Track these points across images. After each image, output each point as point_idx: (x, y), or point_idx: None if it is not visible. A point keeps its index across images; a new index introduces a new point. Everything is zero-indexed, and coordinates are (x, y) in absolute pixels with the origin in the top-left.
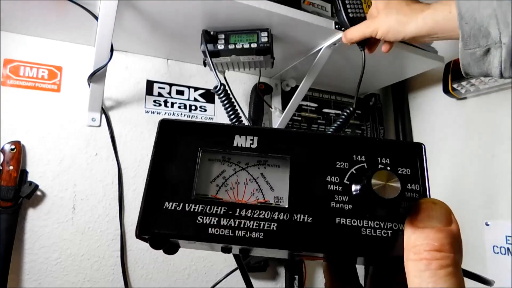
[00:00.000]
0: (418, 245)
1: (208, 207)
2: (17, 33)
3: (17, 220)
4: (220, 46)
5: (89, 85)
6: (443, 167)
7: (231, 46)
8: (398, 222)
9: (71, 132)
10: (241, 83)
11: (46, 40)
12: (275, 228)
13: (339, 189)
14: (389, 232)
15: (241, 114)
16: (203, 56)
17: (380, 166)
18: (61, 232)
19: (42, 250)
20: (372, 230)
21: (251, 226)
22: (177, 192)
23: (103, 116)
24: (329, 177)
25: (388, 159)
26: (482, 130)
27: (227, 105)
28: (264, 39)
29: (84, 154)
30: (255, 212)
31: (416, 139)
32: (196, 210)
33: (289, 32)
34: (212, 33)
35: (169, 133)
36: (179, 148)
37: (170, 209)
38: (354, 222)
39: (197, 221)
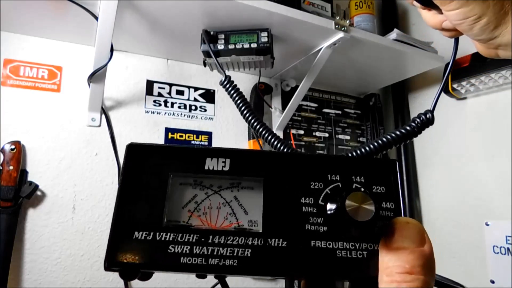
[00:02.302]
0: (390, 267)
1: (180, 235)
2: (17, 33)
3: (17, 220)
4: (220, 46)
5: (89, 85)
6: (443, 167)
7: (231, 46)
8: (373, 242)
9: (71, 132)
10: (241, 83)
11: (46, 40)
12: (249, 255)
13: (314, 211)
14: (364, 253)
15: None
16: (203, 56)
17: (354, 185)
18: (61, 232)
19: (42, 250)
20: (348, 252)
21: (224, 253)
22: (147, 221)
23: (103, 116)
24: (303, 198)
25: (362, 177)
26: (482, 130)
27: (235, 97)
28: (264, 39)
29: (84, 154)
30: (229, 238)
31: (416, 139)
32: (167, 238)
33: (289, 32)
34: (212, 33)
35: (137, 158)
36: (148, 173)
37: (140, 239)
38: (329, 244)
39: (168, 250)
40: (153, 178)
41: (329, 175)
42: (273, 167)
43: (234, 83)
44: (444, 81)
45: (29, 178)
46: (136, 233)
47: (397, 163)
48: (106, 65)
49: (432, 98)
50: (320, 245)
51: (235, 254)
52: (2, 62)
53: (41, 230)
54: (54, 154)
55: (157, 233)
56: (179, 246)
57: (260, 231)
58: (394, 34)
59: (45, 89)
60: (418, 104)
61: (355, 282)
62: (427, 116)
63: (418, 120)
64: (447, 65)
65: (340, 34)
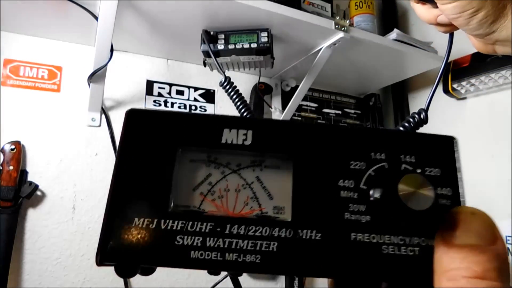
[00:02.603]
0: (453, 270)
1: (190, 223)
2: (17, 33)
3: (17, 220)
4: (220, 46)
5: (89, 85)
6: None
7: (231, 46)
8: (426, 237)
9: (71, 132)
10: (241, 83)
11: (46, 40)
12: (275, 249)
13: (355, 196)
14: (416, 249)
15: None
16: (203, 56)
17: (403, 166)
18: (61, 232)
19: (42, 250)
20: (396, 248)
21: (244, 247)
22: (150, 205)
23: (103, 116)
24: (341, 181)
25: (413, 156)
26: (482, 130)
27: (235, 98)
28: (264, 39)
29: (84, 154)
30: (250, 228)
31: None
32: (174, 227)
33: (289, 32)
34: (212, 33)
35: (139, 128)
36: (151, 146)
37: (141, 227)
38: (373, 238)
39: (176, 242)
40: (157, 153)
41: (372, 153)
42: (305, 142)
43: (234, 84)
44: (439, 78)
45: (29, 178)
46: (136, 220)
47: (455, 140)
48: (106, 65)
49: (432, 98)
50: (361, 239)
51: (257, 248)
52: (2, 62)
53: (41, 230)
54: (54, 154)
55: (162, 221)
56: (189, 237)
57: (289, 220)
58: (394, 34)
59: (45, 89)
60: (418, 104)
61: (403, 284)
62: (421, 115)
63: (411, 119)
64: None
65: (340, 34)
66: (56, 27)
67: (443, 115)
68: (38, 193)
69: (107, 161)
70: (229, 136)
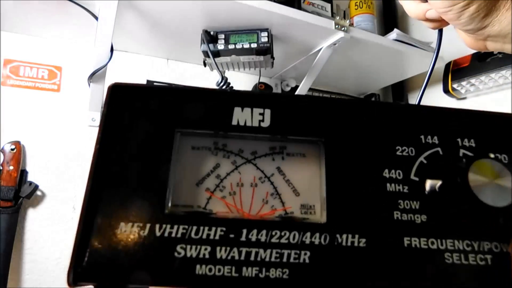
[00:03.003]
0: None
1: (194, 228)
2: (17, 33)
3: (17, 220)
4: (220, 46)
5: (89, 85)
6: None
7: (231, 46)
8: (500, 241)
9: (71, 132)
10: (241, 83)
11: (46, 40)
12: (307, 260)
13: (405, 190)
14: (488, 257)
15: None
16: (203, 56)
17: (462, 151)
18: (61, 232)
19: (42, 250)
20: (461, 256)
21: (267, 259)
22: (140, 205)
23: None
24: (387, 171)
25: (472, 139)
26: None
27: None
28: (264, 39)
29: (84, 154)
30: (273, 233)
31: None
32: (173, 234)
33: (289, 32)
34: (212, 33)
35: (126, 107)
36: (143, 130)
37: (129, 234)
38: (432, 243)
39: (175, 253)
40: (150, 138)
41: (422, 136)
42: (339, 123)
43: (231, 85)
44: (429, 74)
45: (29, 178)
46: (123, 225)
47: None
48: (106, 65)
49: (432, 98)
50: (418, 245)
51: (284, 259)
52: (2, 62)
53: (41, 230)
54: (54, 154)
55: (157, 226)
56: (193, 247)
57: (323, 222)
58: (394, 34)
59: (45, 89)
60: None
61: None
62: None
63: None
64: (447, 65)
65: (340, 34)
66: (56, 27)
67: None
68: (38, 193)
69: None
70: (242, 116)
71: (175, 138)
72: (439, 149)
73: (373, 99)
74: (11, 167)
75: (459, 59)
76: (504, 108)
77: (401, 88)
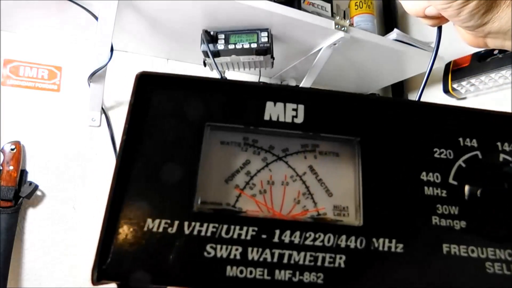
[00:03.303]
0: None
1: (225, 227)
2: (17, 33)
3: (17, 220)
4: (220, 46)
5: (89, 85)
6: None
7: (231, 46)
8: None
9: (71, 132)
10: None
11: (46, 40)
12: (342, 264)
13: (443, 194)
14: None
15: None
16: (203, 56)
17: (502, 156)
18: (61, 232)
19: (42, 250)
20: (504, 266)
21: (301, 262)
22: (168, 201)
23: (103, 116)
24: (424, 173)
25: None
26: None
27: None
28: (264, 39)
29: (84, 154)
30: (307, 235)
31: None
32: (203, 233)
33: (289, 32)
34: (212, 33)
35: (153, 98)
36: (171, 123)
37: (156, 231)
38: (472, 251)
39: (205, 253)
40: (178, 132)
41: (461, 139)
42: (376, 122)
43: None
44: (428, 72)
45: (29, 178)
46: (150, 221)
47: None
48: (106, 65)
49: (432, 98)
50: (457, 252)
51: (318, 263)
52: (2, 62)
53: (41, 230)
54: (54, 154)
55: (186, 223)
56: (224, 247)
57: (359, 224)
58: (394, 34)
59: (45, 89)
60: None
61: None
62: None
63: None
64: (447, 65)
65: (340, 34)
66: (56, 27)
67: None
68: (38, 193)
69: (107, 161)
70: (274, 111)
71: (204, 132)
72: (478, 152)
73: None
74: (11, 167)
75: (459, 59)
76: (504, 108)
77: (401, 88)
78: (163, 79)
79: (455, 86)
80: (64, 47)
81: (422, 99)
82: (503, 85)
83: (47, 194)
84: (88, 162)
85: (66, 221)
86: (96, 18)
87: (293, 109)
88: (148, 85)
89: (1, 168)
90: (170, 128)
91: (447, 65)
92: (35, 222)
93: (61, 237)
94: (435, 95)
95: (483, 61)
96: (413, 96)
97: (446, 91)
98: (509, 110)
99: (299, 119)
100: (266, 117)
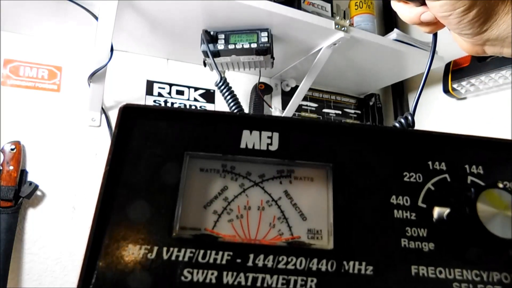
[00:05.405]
0: None
1: (201, 252)
2: (17, 33)
3: (17, 220)
4: (220, 46)
5: (89, 85)
6: None
7: (231, 46)
8: (509, 272)
9: (71, 132)
10: (241, 83)
11: (46, 40)
12: (313, 287)
13: (412, 217)
14: None
15: (244, 107)
16: (203, 56)
17: (470, 179)
18: (61, 232)
19: (42, 250)
20: (471, 286)
21: (274, 285)
22: (149, 227)
23: (103, 116)
24: (394, 197)
25: (480, 166)
26: (482, 130)
27: (227, 96)
28: (264, 39)
29: (84, 154)
30: (280, 259)
31: None
32: (180, 257)
33: (289, 32)
34: (212, 33)
35: (136, 129)
36: (152, 152)
37: (137, 257)
38: (440, 272)
39: (182, 277)
40: (159, 160)
41: (430, 162)
42: (347, 148)
43: (230, 85)
44: (425, 77)
45: (29, 178)
46: (131, 247)
47: None
48: (106, 65)
49: (432, 98)
50: (425, 274)
51: (290, 286)
52: (2, 62)
53: (41, 230)
54: (54, 154)
55: (164, 249)
56: (200, 272)
57: (330, 248)
58: (394, 34)
59: (45, 89)
60: (418, 104)
61: None
62: (407, 120)
63: (397, 125)
64: (447, 65)
65: (340, 34)
66: (56, 27)
67: (443, 115)
68: (38, 193)
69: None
70: (250, 139)
71: (184, 160)
72: (447, 175)
73: (373, 99)
74: (11, 167)
75: (459, 59)
76: (504, 108)
77: (401, 88)
78: (145, 111)
79: (455, 86)
80: (64, 47)
81: (421, 100)
82: (503, 85)
83: (47, 194)
84: (88, 162)
85: (66, 221)
86: (96, 18)
87: (268, 137)
88: (131, 117)
89: (1, 168)
90: (152, 157)
91: (447, 65)
92: (35, 222)
93: (61, 237)
94: (435, 95)
95: (483, 61)
96: (413, 96)
97: (446, 91)
98: (509, 110)
99: (274, 147)
100: (243, 145)
